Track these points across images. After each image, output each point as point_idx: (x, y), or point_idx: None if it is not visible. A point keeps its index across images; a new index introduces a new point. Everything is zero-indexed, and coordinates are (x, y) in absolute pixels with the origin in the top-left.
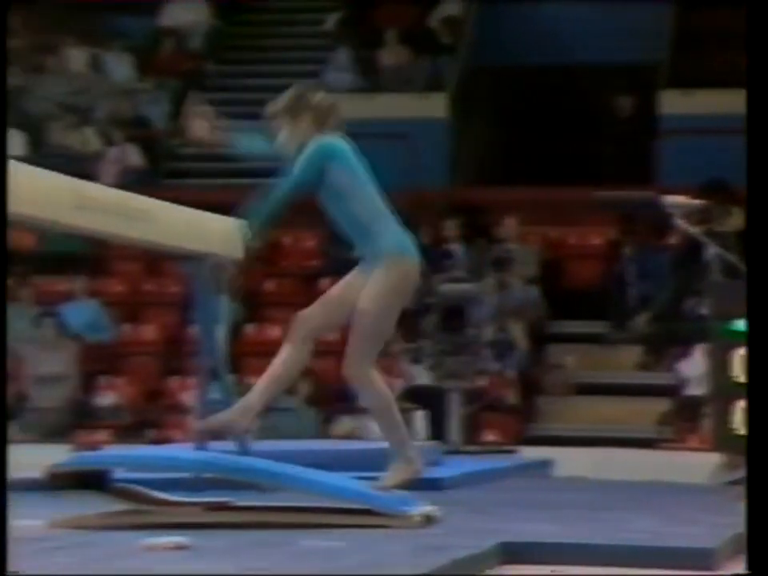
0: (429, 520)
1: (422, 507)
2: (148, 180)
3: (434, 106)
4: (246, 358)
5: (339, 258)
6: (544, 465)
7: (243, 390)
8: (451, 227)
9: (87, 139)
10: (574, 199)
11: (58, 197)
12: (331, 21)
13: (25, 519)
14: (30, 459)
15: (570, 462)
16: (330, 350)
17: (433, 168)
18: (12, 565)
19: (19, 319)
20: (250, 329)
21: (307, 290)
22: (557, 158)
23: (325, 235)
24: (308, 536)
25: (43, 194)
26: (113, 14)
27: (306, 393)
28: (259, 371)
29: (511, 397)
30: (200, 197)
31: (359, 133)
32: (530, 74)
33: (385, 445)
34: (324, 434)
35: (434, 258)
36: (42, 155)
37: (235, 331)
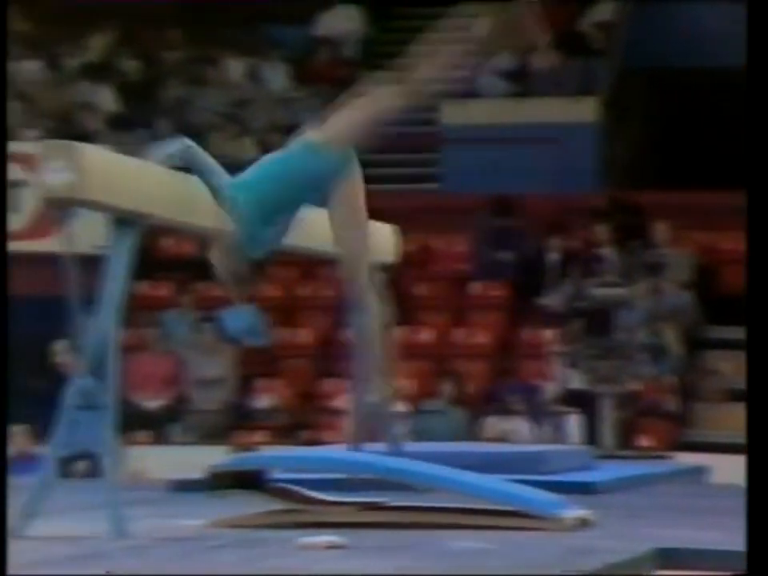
0: (583, 523)
1: (575, 510)
2: None
3: (585, 110)
4: (398, 360)
5: (490, 260)
6: (699, 471)
7: (396, 391)
8: (602, 231)
9: (245, 148)
10: (728, 203)
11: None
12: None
13: (186, 519)
14: (191, 460)
15: (726, 469)
16: (476, 352)
17: (583, 172)
18: (173, 563)
19: (180, 325)
20: (401, 332)
21: (458, 294)
22: (710, 161)
23: (475, 238)
24: (459, 537)
25: (203, 203)
26: (270, 24)
27: (450, 394)
28: (411, 373)
29: (669, 402)
30: None
31: (510, 137)
32: (683, 76)
33: (536, 448)
34: (474, 436)
35: (583, 262)
36: None
37: (387, 334)
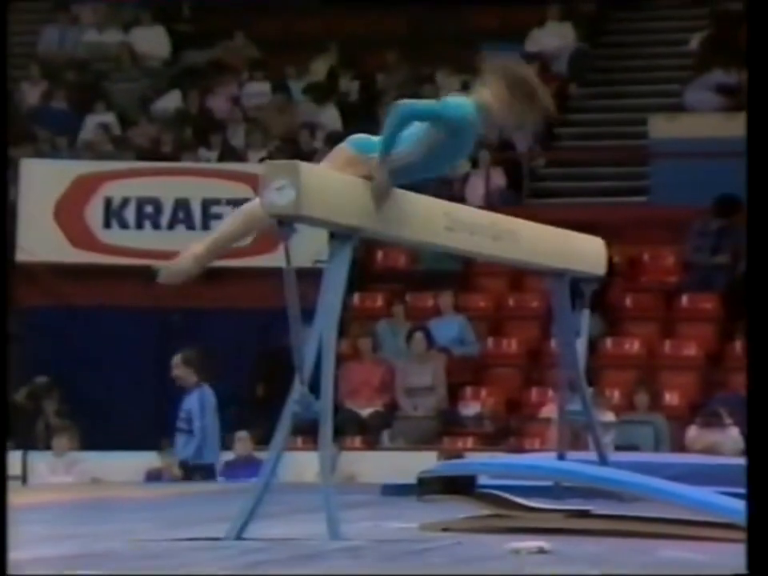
0: None
1: None
2: (511, 200)
3: None
4: (605, 370)
5: (705, 269)
6: None
7: (601, 401)
8: None
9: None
10: None
11: (431, 219)
12: (696, 40)
13: (398, 522)
14: (401, 465)
15: None
16: (685, 364)
17: None
18: (387, 564)
19: (392, 334)
20: (609, 342)
21: (666, 305)
22: None
23: (686, 249)
24: (668, 546)
25: (417, 217)
26: (484, 42)
27: (645, 404)
28: (617, 384)
29: None
30: (562, 215)
31: (719, 151)
32: None
33: (741, 461)
34: (680, 447)
35: None
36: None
37: (594, 344)
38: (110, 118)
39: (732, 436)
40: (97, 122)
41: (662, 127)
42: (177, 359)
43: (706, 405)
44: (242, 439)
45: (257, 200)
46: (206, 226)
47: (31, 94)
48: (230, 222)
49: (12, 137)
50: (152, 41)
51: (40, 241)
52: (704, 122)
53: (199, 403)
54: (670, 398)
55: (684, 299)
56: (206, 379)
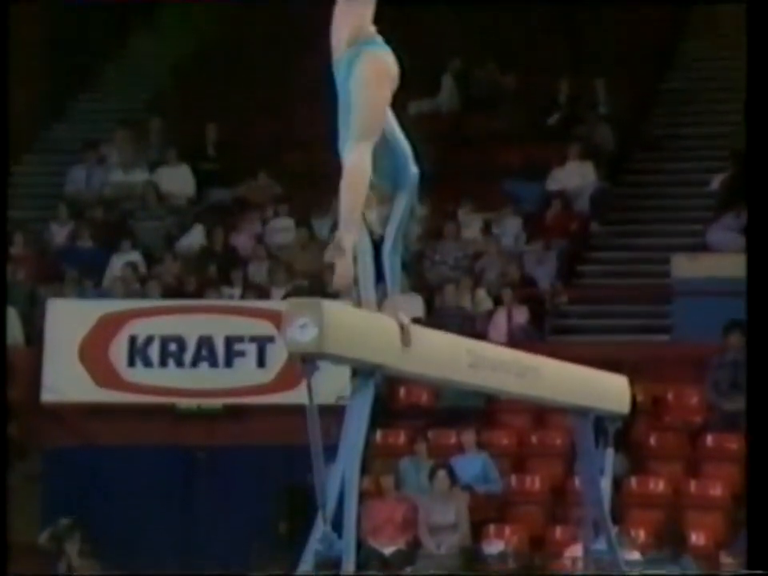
0: None
1: None
2: (534, 337)
3: None
4: (630, 509)
5: (724, 411)
6: None
7: (627, 540)
8: None
9: (479, 300)
10: None
11: (454, 356)
12: (717, 181)
13: None
14: None
15: None
16: (710, 504)
17: None
18: None
19: (415, 471)
20: (633, 481)
21: (691, 445)
22: None
23: (709, 388)
24: None
25: (441, 355)
26: (506, 180)
27: (670, 543)
28: (643, 523)
29: None
30: (584, 352)
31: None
32: None
33: None
34: None
35: None
36: (438, 316)
37: (619, 483)
38: (135, 256)
39: None
40: (123, 260)
41: (684, 266)
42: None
43: (733, 543)
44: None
45: (355, 160)
46: (228, 363)
47: (59, 234)
48: (346, 191)
49: (40, 276)
50: (177, 179)
51: (65, 380)
52: (726, 261)
53: None
54: (696, 537)
55: (709, 438)
56: None
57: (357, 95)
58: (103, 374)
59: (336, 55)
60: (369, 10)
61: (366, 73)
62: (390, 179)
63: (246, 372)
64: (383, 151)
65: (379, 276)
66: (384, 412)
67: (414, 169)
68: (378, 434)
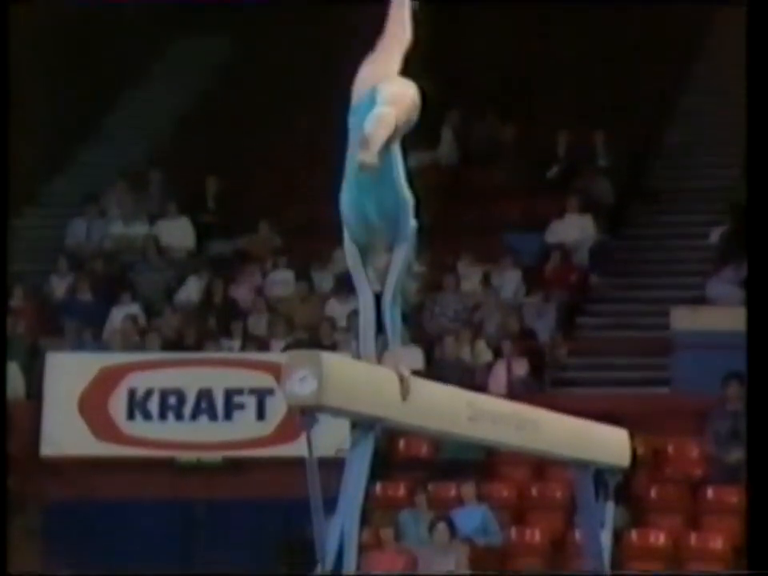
0: None
1: None
2: (534, 389)
3: None
4: (630, 562)
5: (724, 464)
6: None
7: None
8: None
9: (479, 352)
10: None
11: (454, 409)
12: (716, 234)
13: None
14: None
15: None
16: (711, 556)
17: None
18: None
19: (415, 523)
20: (634, 534)
21: (692, 497)
22: None
23: (709, 440)
24: None
25: (440, 407)
26: (505, 233)
27: None
28: None
29: None
30: (584, 405)
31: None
32: None
33: None
34: None
35: None
36: (437, 367)
37: (619, 536)
38: (135, 308)
39: None
40: (123, 312)
41: (684, 318)
42: None
43: None
44: None
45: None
46: (228, 416)
47: (59, 286)
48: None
49: (40, 329)
50: (177, 232)
51: (64, 434)
52: (726, 314)
53: None
54: None
55: (709, 491)
56: None
57: (384, 94)
58: (103, 427)
59: (355, 102)
60: (396, 63)
61: (393, 88)
62: (393, 225)
63: (245, 425)
64: (391, 192)
65: (379, 328)
66: (384, 464)
67: (413, 222)
68: (378, 486)
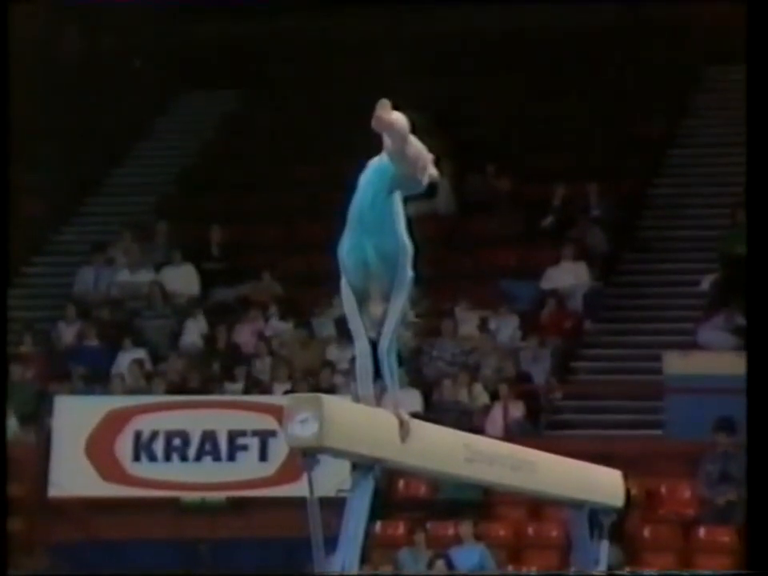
0: None
1: None
2: (530, 431)
3: None
4: None
5: (716, 505)
6: None
7: None
8: None
9: (476, 395)
10: None
11: (452, 450)
12: (706, 282)
13: None
14: None
15: None
16: None
17: None
18: None
19: (414, 561)
20: (627, 572)
21: (684, 537)
22: None
23: (700, 482)
24: None
25: (439, 449)
26: (502, 280)
27: None
28: None
29: None
30: (579, 447)
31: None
32: None
33: None
34: None
35: None
36: (436, 410)
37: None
38: (140, 353)
39: None
40: (128, 357)
41: (676, 363)
42: None
43: None
44: None
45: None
46: (231, 457)
47: (67, 333)
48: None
49: (48, 375)
50: (182, 279)
51: (72, 476)
52: (717, 359)
53: None
54: None
55: (701, 531)
56: None
57: None
58: (109, 468)
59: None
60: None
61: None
62: (392, 270)
63: (248, 466)
64: (392, 238)
65: (376, 373)
66: (383, 504)
67: (410, 272)
68: (378, 525)
